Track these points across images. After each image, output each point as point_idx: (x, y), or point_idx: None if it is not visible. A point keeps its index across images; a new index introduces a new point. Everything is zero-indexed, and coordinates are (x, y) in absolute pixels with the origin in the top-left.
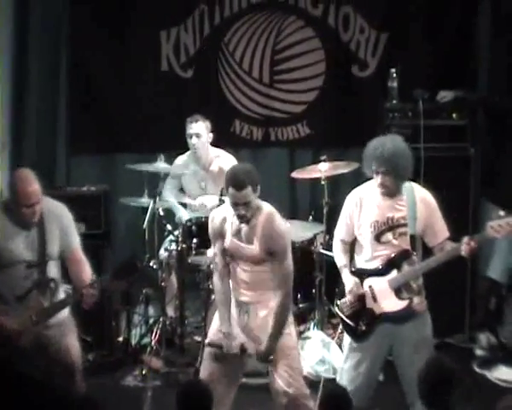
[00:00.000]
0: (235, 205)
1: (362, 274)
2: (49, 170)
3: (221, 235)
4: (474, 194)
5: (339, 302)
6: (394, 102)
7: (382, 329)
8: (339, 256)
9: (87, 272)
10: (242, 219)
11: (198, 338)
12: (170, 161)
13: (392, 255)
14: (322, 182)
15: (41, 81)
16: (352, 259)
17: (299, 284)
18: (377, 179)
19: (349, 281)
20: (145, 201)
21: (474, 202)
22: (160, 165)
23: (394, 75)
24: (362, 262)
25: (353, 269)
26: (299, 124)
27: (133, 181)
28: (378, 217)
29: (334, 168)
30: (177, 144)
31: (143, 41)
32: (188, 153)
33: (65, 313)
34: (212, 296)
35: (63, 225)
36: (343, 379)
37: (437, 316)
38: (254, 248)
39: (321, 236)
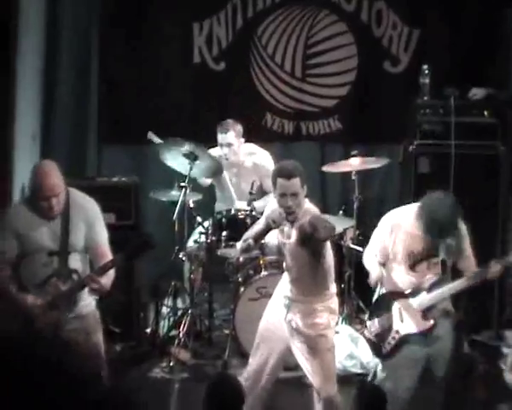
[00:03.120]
0: (283, 196)
1: (393, 296)
2: (79, 161)
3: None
4: (503, 192)
5: (368, 323)
6: (426, 98)
7: (412, 349)
8: (374, 267)
9: (111, 273)
10: (289, 212)
11: (226, 331)
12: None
13: (423, 282)
14: (353, 177)
15: (71, 74)
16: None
17: None
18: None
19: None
20: (175, 194)
21: (503, 199)
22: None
23: (426, 72)
24: (393, 285)
25: (386, 291)
26: (330, 118)
27: (164, 173)
28: (413, 248)
29: (364, 163)
30: (209, 137)
31: (176, 33)
32: (218, 149)
33: (91, 306)
34: (241, 289)
35: (89, 217)
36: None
37: (465, 313)
38: (291, 242)
39: (351, 230)
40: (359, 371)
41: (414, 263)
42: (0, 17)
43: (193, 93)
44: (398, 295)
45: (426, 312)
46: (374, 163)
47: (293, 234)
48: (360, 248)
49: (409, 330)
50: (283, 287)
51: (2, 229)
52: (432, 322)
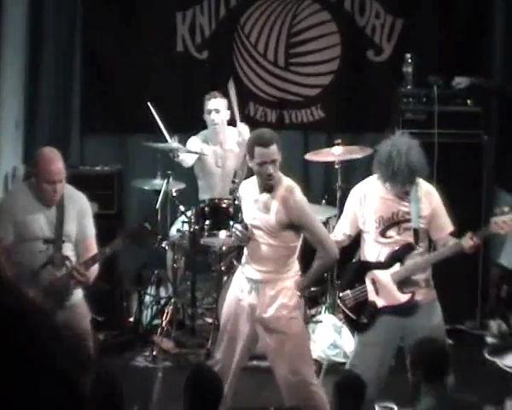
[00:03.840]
0: (262, 164)
1: (365, 267)
2: (62, 149)
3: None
4: (486, 180)
5: (341, 295)
6: (409, 87)
7: (389, 322)
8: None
9: (95, 267)
10: (269, 178)
11: (209, 320)
12: (182, 142)
13: (395, 249)
14: (336, 166)
15: (55, 61)
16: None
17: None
18: (390, 188)
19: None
20: (158, 183)
21: (486, 188)
22: (175, 144)
23: (409, 60)
24: (365, 256)
25: (355, 261)
26: (313, 107)
27: (146, 162)
28: (383, 212)
29: (347, 152)
30: (191, 125)
31: (159, 22)
32: (202, 133)
33: (78, 296)
34: (224, 278)
35: (81, 210)
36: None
37: (448, 302)
38: (270, 218)
39: (334, 220)
40: (343, 360)
41: (384, 229)
42: None
43: (176, 82)
44: (370, 265)
45: (401, 284)
46: (357, 152)
47: (273, 207)
48: None
49: (385, 302)
50: (246, 270)
51: (0, 215)
52: (408, 295)
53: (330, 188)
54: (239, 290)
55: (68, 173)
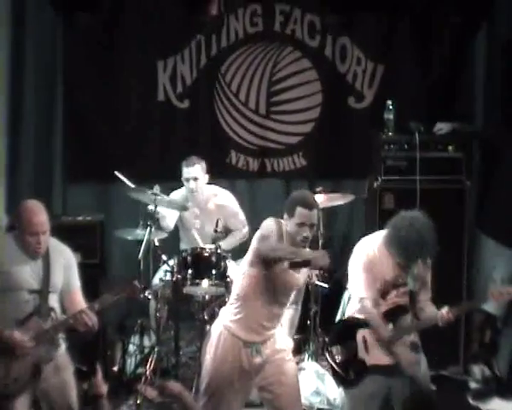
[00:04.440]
0: (301, 225)
1: (356, 324)
2: (45, 199)
3: None
4: (468, 226)
5: (330, 348)
6: (390, 134)
7: (377, 380)
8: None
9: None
10: (305, 241)
11: (192, 369)
12: (164, 191)
13: (388, 309)
14: None
15: (36, 112)
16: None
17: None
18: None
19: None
20: (140, 232)
21: (469, 233)
22: (156, 192)
23: (390, 107)
24: (356, 311)
25: (347, 317)
26: (295, 155)
27: (129, 211)
28: (387, 276)
29: (329, 200)
30: (172, 174)
31: (140, 71)
32: (183, 189)
33: (62, 348)
34: (207, 327)
35: (67, 263)
36: None
37: (432, 348)
38: (301, 277)
39: None
40: (326, 407)
41: (385, 292)
42: None
43: (158, 131)
44: (362, 322)
45: (391, 344)
46: (338, 200)
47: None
48: (325, 285)
49: (374, 361)
50: (243, 334)
51: None
52: (398, 356)
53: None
54: (232, 356)
55: (51, 224)
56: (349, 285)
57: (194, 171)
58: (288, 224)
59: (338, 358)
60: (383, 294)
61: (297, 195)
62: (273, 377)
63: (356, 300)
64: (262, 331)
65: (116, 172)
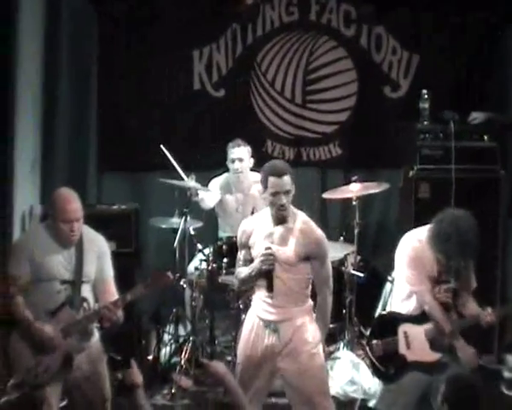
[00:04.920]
0: (276, 194)
1: (397, 319)
2: (79, 188)
3: (247, 245)
4: (503, 215)
5: (372, 343)
6: (425, 123)
7: (417, 377)
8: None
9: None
10: (282, 209)
11: (228, 358)
12: (200, 181)
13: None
14: (354, 202)
15: (70, 101)
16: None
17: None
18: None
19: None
20: (175, 221)
21: (503, 223)
22: (192, 183)
23: (426, 96)
24: (399, 304)
25: (388, 311)
26: (330, 144)
27: (164, 200)
28: (430, 271)
29: (365, 189)
30: (208, 163)
31: (176, 60)
32: (225, 176)
33: (94, 338)
34: (242, 316)
35: (100, 252)
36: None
37: (466, 337)
38: (288, 250)
39: (351, 256)
40: (361, 396)
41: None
42: None
43: (194, 120)
44: (403, 318)
45: (433, 342)
46: (374, 188)
47: (291, 239)
48: (361, 274)
49: (415, 358)
50: (260, 313)
51: (18, 253)
52: (439, 355)
53: (348, 224)
54: (255, 335)
55: (85, 212)
56: (397, 280)
57: (240, 152)
58: (266, 197)
59: (377, 352)
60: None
61: (267, 166)
62: (295, 367)
63: (408, 294)
64: (273, 310)
65: (162, 147)
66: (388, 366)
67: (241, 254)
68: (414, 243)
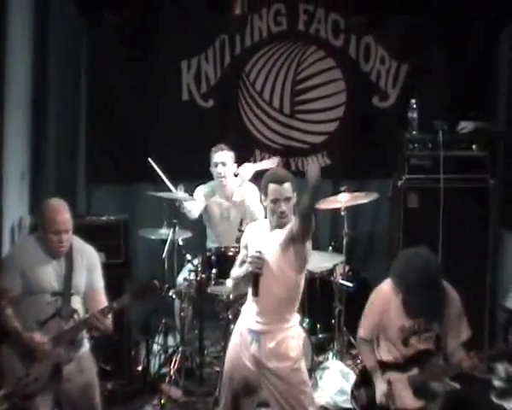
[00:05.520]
0: (275, 201)
1: (381, 366)
2: (69, 199)
3: (245, 246)
4: (492, 224)
5: (355, 392)
6: (414, 132)
7: None
8: (368, 357)
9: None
10: (282, 216)
11: (217, 368)
12: (189, 191)
13: (415, 353)
14: (342, 213)
15: (60, 112)
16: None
17: (319, 314)
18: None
19: (380, 388)
20: (164, 232)
21: (493, 232)
22: (180, 194)
23: (414, 106)
24: (381, 356)
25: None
26: (319, 154)
27: (153, 211)
28: (405, 322)
29: (353, 199)
30: (197, 174)
31: (164, 70)
32: (209, 184)
33: (85, 348)
34: (232, 326)
35: (90, 263)
36: None
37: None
38: (276, 248)
39: (340, 266)
40: (350, 406)
41: (406, 338)
42: None
43: (182, 131)
44: (387, 365)
45: (417, 389)
46: (363, 198)
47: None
48: (350, 284)
49: (399, 405)
50: (247, 320)
51: (8, 266)
52: (422, 403)
53: (337, 235)
54: (240, 342)
55: (75, 223)
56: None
57: (223, 156)
58: (266, 205)
59: (361, 402)
60: (404, 340)
61: (268, 174)
62: (277, 382)
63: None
64: (258, 319)
65: (149, 160)
66: None
67: (240, 255)
68: (379, 294)
